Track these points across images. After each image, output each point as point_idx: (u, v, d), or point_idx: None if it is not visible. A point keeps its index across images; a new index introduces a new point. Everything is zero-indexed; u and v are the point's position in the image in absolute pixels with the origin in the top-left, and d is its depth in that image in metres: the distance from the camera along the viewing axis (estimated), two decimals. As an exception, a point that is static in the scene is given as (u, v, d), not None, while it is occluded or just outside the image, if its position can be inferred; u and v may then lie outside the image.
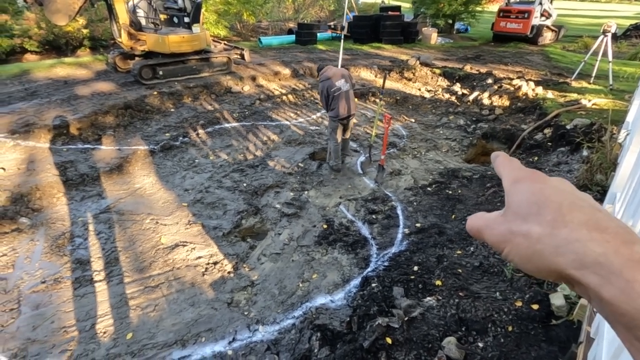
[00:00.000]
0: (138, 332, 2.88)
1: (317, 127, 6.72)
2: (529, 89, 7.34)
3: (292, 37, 12.85)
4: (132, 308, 3.08)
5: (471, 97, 7.78)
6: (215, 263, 3.58)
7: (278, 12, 17.60)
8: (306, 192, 4.80)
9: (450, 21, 16.02)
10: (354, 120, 5.22)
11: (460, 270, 3.14)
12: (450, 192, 4.73)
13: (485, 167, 5.55)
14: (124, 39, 7.03)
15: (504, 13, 13.39)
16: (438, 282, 3.02)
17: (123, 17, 6.86)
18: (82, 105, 6.15)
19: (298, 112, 7.37)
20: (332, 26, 14.34)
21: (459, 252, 3.47)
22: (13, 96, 6.35)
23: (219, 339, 2.84)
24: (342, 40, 6.43)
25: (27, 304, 3.06)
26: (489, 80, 8.17)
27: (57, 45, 9.31)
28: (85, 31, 9.39)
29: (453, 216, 4.21)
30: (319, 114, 7.30)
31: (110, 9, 6.89)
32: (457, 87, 8.42)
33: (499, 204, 4.34)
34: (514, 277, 2.94)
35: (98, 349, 2.75)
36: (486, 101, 7.48)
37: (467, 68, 9.38)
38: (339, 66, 7.22)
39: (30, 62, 8.44)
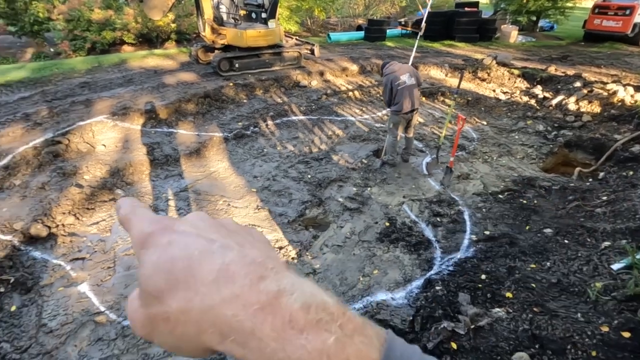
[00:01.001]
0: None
1: (382, 125, 6.66)
2: (626, 94, 6.53)
3: (361, 34, 12.81)
4: (205, 280, 3.37)
5: (554, 102, 7.13)
6: (280, 248, 3.76)
7: (348, 8, 17.62)
8: (369, 189, 4.81)
9: (534, 18, 14.73)
10: (418, 118, 5.09)
11: (534, 285, 2.94)
12: (524, 201, 4.41)
13: (566, 178, 5.08)
14: (207, 33, 7.59)
15: (600, 9, 11.99)
16: (508, 294, 2.86)
17: (208, 12, 7.40)
18: (168, 93, 6.78)
19: (363, 109, 7.37)
20: (403, 23, 14.00)
21: (532, 265, 3.24)
22: (113, 82, 7.22)
23: (281, 319, 2.99)
24: (417, 39, 6.27)
25: (121, 264, 3.50)
26: (577, 84, 7.41)
27: (149, 38, 10.34)
28: (173, 25, 10.30)
29: (527, 227, 3.94)
30: (384, 112, 7.22)
31: (198, 4, 7.47)
32: (537, 90, 7.77)
33: (581, 219, 3.96)
34: (599, 300, 2.68)
35: (177, 312, 3.05)
36: (572, 106, 6.81)
37: (551, 69, 8.61)
38: (410, 64, 7.07)
39: (127, 53, 9.49)
